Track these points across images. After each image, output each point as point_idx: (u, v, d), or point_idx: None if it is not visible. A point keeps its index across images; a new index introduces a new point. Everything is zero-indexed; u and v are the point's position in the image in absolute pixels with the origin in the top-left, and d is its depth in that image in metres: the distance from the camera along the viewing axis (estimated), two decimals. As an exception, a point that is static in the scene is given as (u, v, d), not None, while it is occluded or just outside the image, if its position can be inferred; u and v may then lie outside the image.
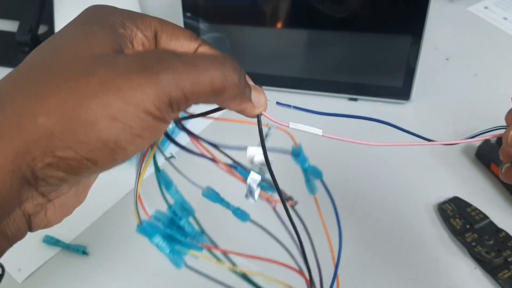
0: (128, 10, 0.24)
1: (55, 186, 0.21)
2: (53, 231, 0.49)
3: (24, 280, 0.45)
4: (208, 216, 0.32)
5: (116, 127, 0.20)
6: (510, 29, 0.72)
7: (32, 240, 0.48)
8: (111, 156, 0.21)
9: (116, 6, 0.24)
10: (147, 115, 0.20)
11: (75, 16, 0.24)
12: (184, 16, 0.60)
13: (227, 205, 0.31)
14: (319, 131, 0.28)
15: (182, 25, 0.60)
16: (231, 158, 0.29)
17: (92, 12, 0.24)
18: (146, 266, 0.46)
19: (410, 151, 0.56)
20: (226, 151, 0.30)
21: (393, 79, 0.59)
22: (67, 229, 0.49)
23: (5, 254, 0.45)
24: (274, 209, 0.32)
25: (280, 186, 0.28)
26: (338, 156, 0.55)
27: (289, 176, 0.31)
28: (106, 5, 0.24)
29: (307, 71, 0.62)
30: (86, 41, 0.21)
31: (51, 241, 0.48)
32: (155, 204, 0.27)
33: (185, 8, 0.59)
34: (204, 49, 0.26)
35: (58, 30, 0.24)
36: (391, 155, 0.55)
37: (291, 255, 0.33)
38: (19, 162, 0.19)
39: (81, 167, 0.20)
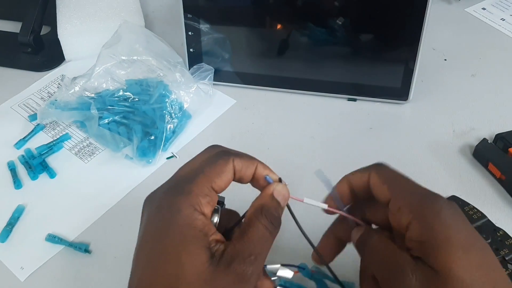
0: (189, 195, 0.31)
1: None
2: (56, 229, 0.49)
3: (27, 279, 0.45)
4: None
5: None
6: (508, 29, 0.73)
7: (34, 239, 0.48)
8: None
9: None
10: None
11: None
12: (185, 17, 0.60)
13: None
14: (324, 206, 0.36)
15: (183, 26, 0.61)
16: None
17: (171, 213, 0.30)
18: (148, 264, 0.46)
19: (408, 151, 0.56)
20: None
21: (391, 80, 0.60)
22: (69, 227, 0.49)
23: (7, 253, 0.45)
24: None
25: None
26: (337, 157, 0.55)
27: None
28: (173, 199, 0.31)
29: (307, 72, 0.63)
30: (191, 262, 0.28)
31: (53, 240, 0.48)
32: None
33: (186, 9, 0.60)
34: (261, 167, 0.34)
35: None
36: (389, 155, 0.56)
37: None
38: None
39: None
